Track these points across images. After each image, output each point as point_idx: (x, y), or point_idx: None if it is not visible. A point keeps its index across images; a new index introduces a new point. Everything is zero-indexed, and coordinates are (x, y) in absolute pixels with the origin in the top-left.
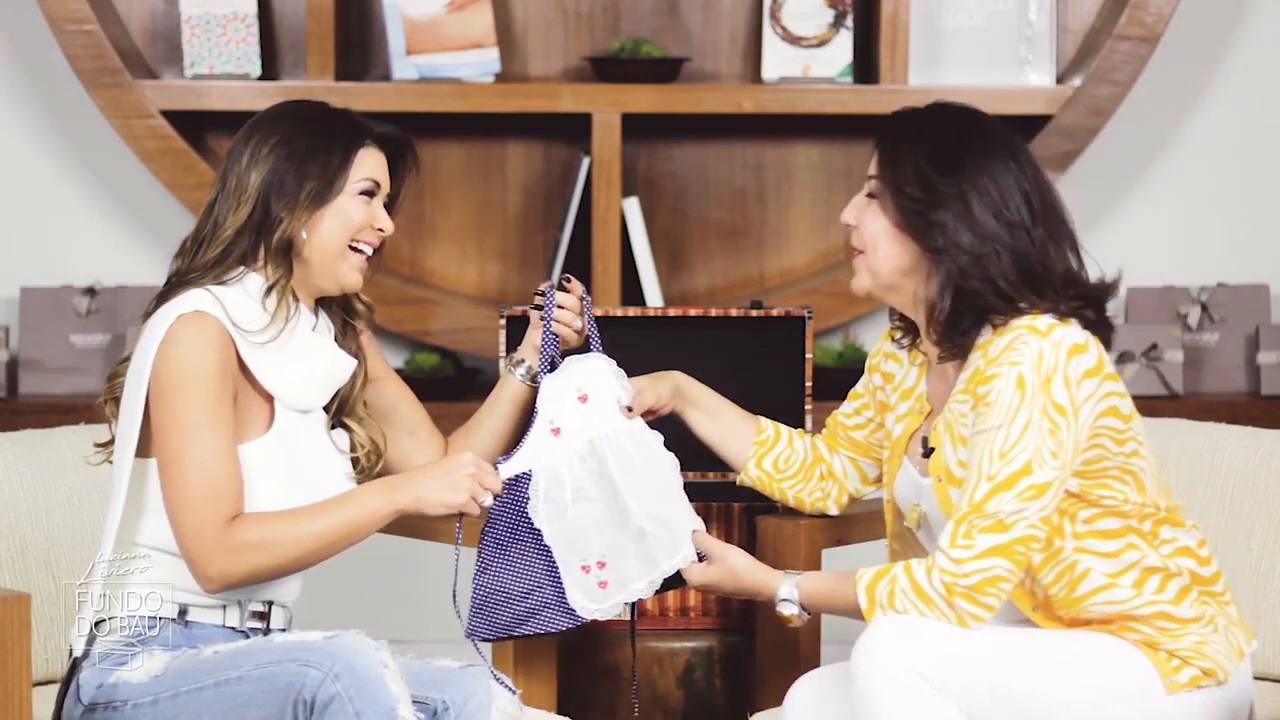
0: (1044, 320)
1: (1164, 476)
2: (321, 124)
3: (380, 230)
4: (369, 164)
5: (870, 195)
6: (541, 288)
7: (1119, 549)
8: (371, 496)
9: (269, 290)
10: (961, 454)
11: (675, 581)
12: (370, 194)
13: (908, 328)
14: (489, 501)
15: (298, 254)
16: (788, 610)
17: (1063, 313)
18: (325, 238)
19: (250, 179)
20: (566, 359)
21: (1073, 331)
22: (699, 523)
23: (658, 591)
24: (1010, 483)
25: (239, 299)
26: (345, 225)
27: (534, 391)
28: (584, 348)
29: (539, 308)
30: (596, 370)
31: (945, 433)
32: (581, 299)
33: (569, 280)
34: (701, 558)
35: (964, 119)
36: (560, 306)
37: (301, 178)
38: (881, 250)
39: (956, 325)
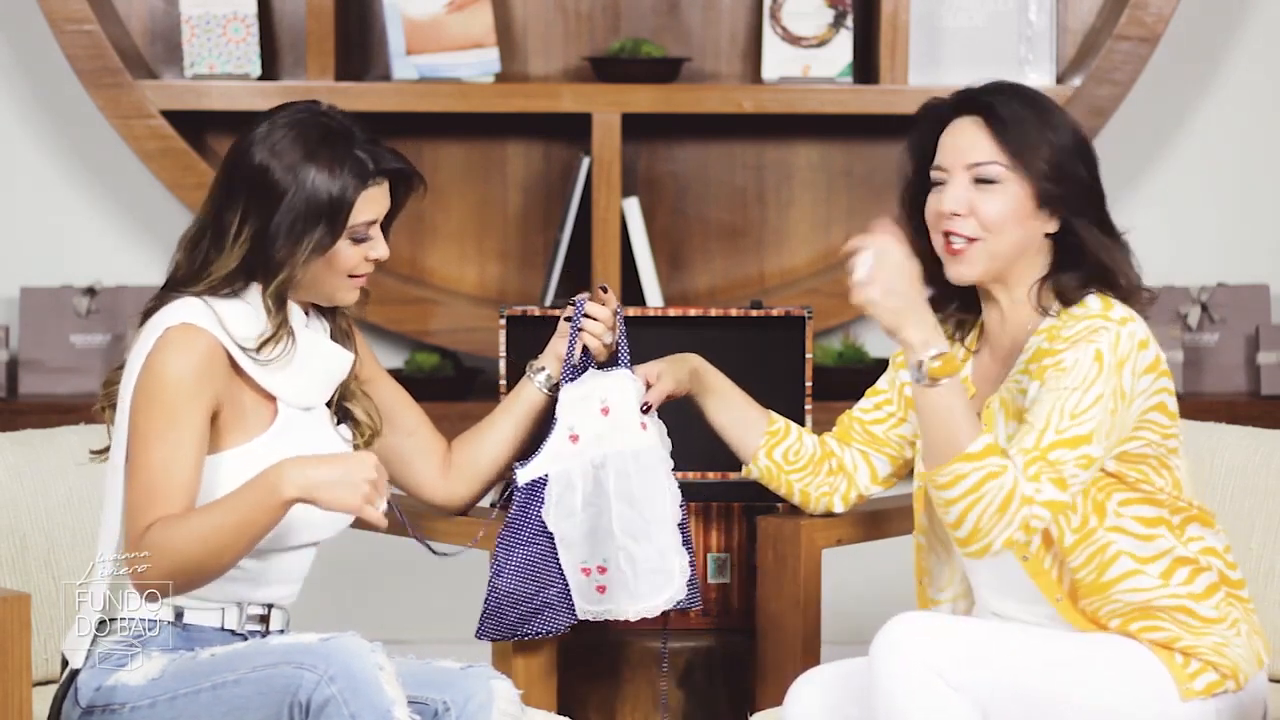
0: (1117, 312)
1: (1198, 484)
2: (328, 161)
3: (375, 259)
4: (369, 208)
5: (985, 181)
6: (575, 298)
7: (1152, 535)
8: (261, 490)
9: (266, 342)
10: (1012, 428)
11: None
12: (366, 237)
13: (960, 320)
14: (383, 507)
15: (293, 286)
16: (916, 376)
17: (1129, 295)
18: (321, 276)
19: (251, 224)
20: (591, 371)
21: (1140, 327)
22: (684, 558)
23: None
24: (1073, 443)
25: (237, 311)
26: (339, 268)
27: (550, 400)
28: (610, 361)
29: (569, 318)
30: (622, 386)
31: (1000, 410)
32: (615, 313)
33: (605, 290)
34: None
35: (1043, 98)
36: (591, 317)
37: (304, 227)
38: (1009, 234)
39: (1066, 293)
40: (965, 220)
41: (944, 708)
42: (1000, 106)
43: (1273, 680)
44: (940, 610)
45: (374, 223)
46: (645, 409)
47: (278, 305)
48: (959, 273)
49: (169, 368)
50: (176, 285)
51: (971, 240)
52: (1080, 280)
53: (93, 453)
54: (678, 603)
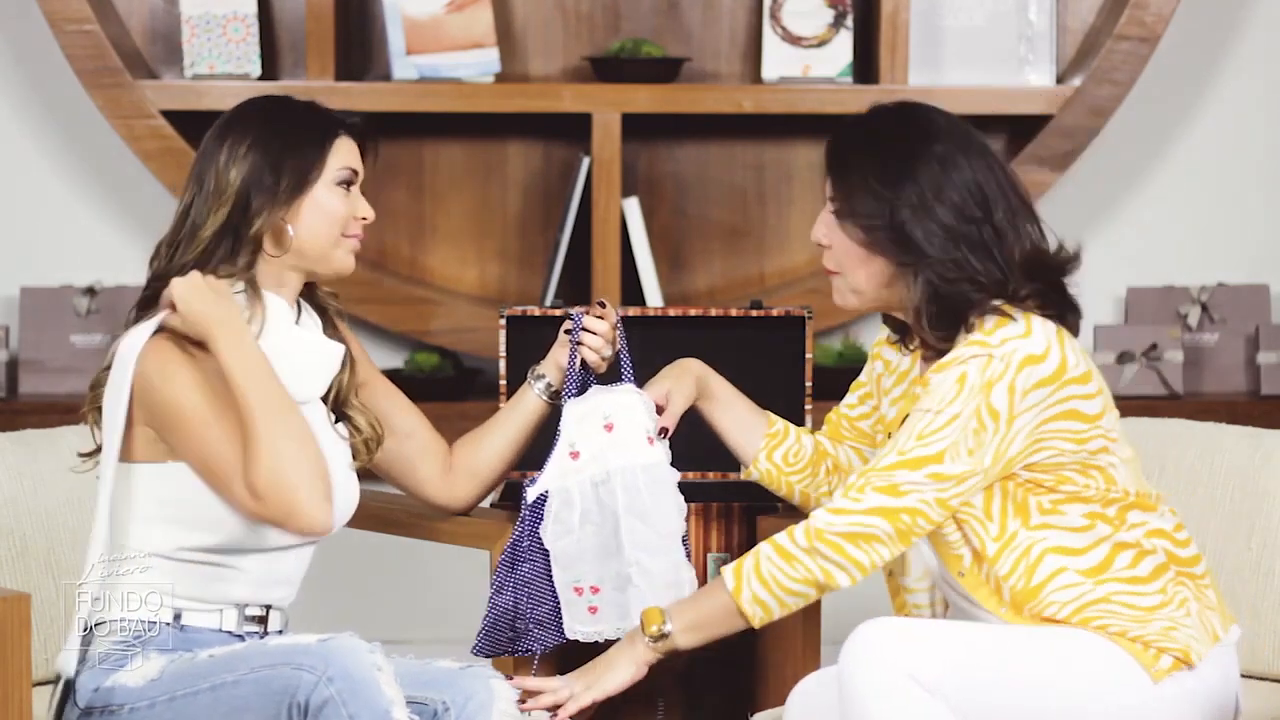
0: (999, 335)
1: (1141, 471)
2: (295, 117)
3: (364, 219)
4: (344, 153)
5: (837, 214)
6: (572, 312)
7: (1083, 526)
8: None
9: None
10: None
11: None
12: (349, 183)
13: (901, 327)
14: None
15: (287, 248)
16: (663, 646)
17: (1030, 306)
18: (314, 229)
19: (230, 178)
20: (594, 387)
21: (1029, 343)
22: (691, 571)
23: None
24: (917, 464)
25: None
26: (331, 217)
27: (551, 407)
28: (610, 371)
29: (568, 331)
30: (627, 403)
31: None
32: (614, 326)
33: (603, 305)
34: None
35: (901, 121)
36: (590, 331)
37: (279, 171)
38: (860, 271)
39: (944, 325)
40: (827, 251)
41: (919, 711)
42: (840, 142)
43: (1267, 679)
44: (916, 599)
45: (355, 173)
46: (663, 434)
47: (251, 251)
48: (835, 300)
49: (174, 384)
50: (163, 274)
51: (833, 273)
52: (952, 317)
53: (82, 455)
54: None
